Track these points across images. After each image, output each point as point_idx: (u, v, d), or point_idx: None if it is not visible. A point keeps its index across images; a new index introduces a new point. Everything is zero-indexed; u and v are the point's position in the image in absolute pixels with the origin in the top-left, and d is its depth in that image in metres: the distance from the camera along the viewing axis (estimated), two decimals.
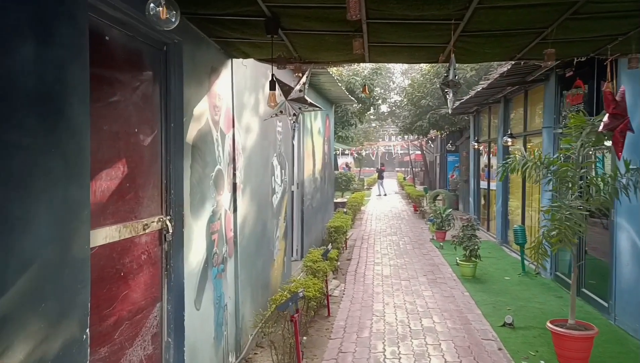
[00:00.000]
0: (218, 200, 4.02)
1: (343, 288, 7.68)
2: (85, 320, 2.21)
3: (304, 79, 3.90)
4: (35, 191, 1.90)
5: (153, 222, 3.09)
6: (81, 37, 2.18)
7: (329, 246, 6.34)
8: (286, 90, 3.89)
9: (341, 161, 32.47)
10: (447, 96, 3.48)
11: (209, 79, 3.83)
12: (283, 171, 6.54)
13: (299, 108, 3.93)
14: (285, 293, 4.43)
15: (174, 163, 3.30)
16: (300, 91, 3.86)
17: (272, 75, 3.52)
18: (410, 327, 5.79)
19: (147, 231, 3.02)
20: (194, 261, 3.52)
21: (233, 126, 4.39)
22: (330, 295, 7.02)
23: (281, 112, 3.91)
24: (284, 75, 5.28)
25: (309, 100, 3.94)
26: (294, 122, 3.95)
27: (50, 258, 1.98)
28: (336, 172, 24.45)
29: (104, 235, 2.56)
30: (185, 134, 3.39)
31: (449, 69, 3.26)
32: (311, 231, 8.90)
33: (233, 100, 4.37)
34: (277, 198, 6.14)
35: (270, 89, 3.52)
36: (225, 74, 4.19)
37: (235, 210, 4.43)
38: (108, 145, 2.63)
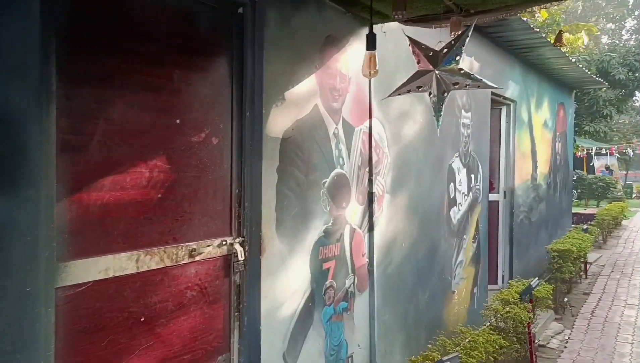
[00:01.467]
0: (337, 216, 3.04)
1: (566, 337, 5.71)
2: None
3: (461, 40, 2.58)
4: None
5: (208, 246, 2.32)
6: None
7: (534, 281, 4.62)
8: (431, 56, 2.63)
9: (599, 162, 26.98)
10: None
11: (319, 52, 2.88)
12: (472, 176, 5.10)
13: (453, 85, 2.62)
14: (433, 353, 3.14)
15: (250, 166, 2.47)
16: (456, 57, 2.56)
17: (370, 25, 2.34)
18: None
19: (197, 258, 2.27)
20: (282, 298, 2.64)
21: (370, 116, 3.34)
22: (542, 345, 5.25)
23: (418, 88, 2.67)
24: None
25: (469, 71, 2.59)
26: (441, 103, 2.66)
27: None
28: (590, 176, 20.29)
29: (102, 266, 1.89)
30: (268, 127, 2.52)
31: None
32: (527, 253, 7.03)
33: (371, 81, 3.32)
34: (458, 211, 4.77)
35: (367, 49, 2.36)
36: (355, 46, 3.18)
37: (371, 228, 3.36)
38: (117, 141, 1.95)
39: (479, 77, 2.65)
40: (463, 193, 4.89)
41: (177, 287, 2.20)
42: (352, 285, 3.20)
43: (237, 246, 2.44)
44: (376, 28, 3.29)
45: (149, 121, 2.07)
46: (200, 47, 2.30)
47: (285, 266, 2.66)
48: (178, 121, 2.19)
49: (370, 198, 3.36)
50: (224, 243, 2.40)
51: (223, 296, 2.43)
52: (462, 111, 4.82)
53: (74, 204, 1.81)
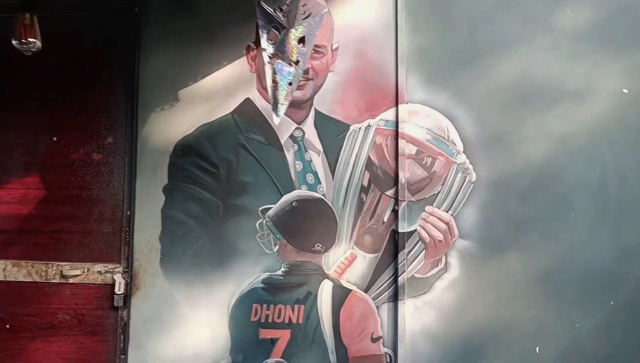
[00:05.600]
0: (297, 262, 2.06)
1: None
2: None
3: None
4: None
5: (83, 270, 2.23)
6: None
7: None
8: None
9: None
10: None
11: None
12: None
13: None
14: None
15: (133, 184, 2.19)
16: None
17: None
18: None
19: (71, 280, 2.24)
20: (167, 357, 2.10)
21: (397, 103, 2.04)
22: None
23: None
24: None
25: None
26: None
27: None
28: None
29: None
30: (149, 137, 2.14)
31: None
32: None
33: (399, 44, 2.04)
34: None
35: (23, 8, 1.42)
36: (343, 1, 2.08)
37: (397, 296, 2.00)
38: None
39: None
40: None
41: (48, 306, 2.26)
42: None
43: (117, 277, 2.20)
44: None
45: (23, 140, 2.30)
46: (85, 60, 2.29)
47: (176, 315, 2.10)
48: (55, 139, 2.29)
49: (396, 243, 2.02)
50: (102, 270, 2.23)
51: (108, 332, 2.24)
52: None
53: None
